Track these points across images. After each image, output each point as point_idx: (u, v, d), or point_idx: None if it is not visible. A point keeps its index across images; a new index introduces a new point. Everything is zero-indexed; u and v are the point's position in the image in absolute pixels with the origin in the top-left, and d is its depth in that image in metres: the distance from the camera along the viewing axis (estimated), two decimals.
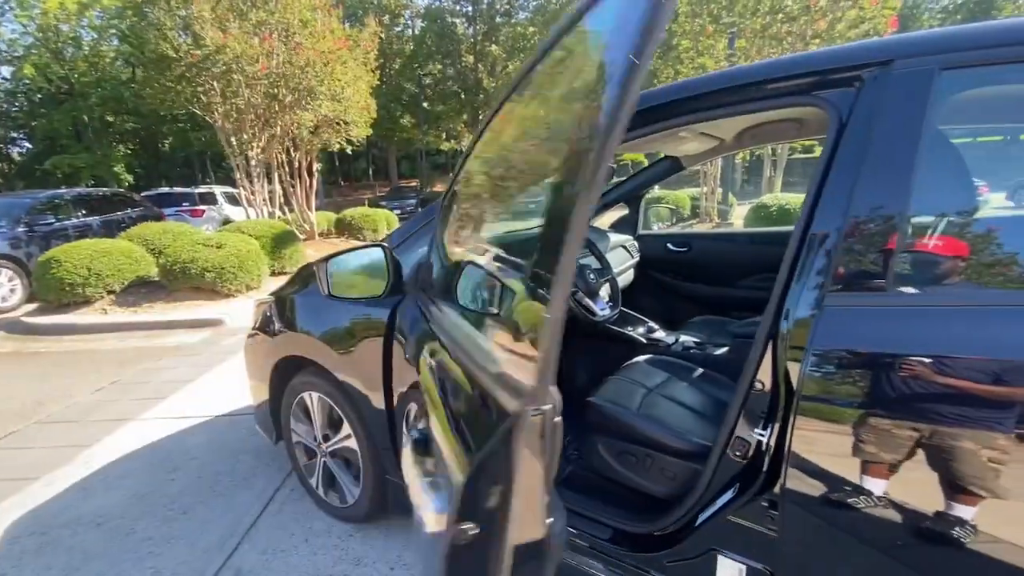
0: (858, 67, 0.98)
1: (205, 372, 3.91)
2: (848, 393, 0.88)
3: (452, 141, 41.74)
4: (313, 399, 1.96)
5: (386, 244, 1.55)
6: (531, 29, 30.41)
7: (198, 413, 3.14)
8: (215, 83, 8.62)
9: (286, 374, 2.07)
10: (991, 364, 0.79)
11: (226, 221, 11.66)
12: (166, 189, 13.95)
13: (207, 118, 9.17)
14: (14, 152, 28.92)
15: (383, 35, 19.13)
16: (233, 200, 13.06)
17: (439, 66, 34.16)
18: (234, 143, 9.42)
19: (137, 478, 2.43)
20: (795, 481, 0.94)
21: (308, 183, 11.26)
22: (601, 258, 2.24)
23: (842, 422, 0.88)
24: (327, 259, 1.51)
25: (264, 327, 2.15)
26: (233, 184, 12.13)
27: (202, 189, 13.36)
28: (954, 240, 0.92)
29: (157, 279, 6.68)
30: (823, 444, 0.91)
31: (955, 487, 0.80)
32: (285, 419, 2.13)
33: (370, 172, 43.57)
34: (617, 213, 3.04)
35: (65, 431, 3.04)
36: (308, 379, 1.95)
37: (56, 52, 23.68)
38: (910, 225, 0.91)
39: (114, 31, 24.36)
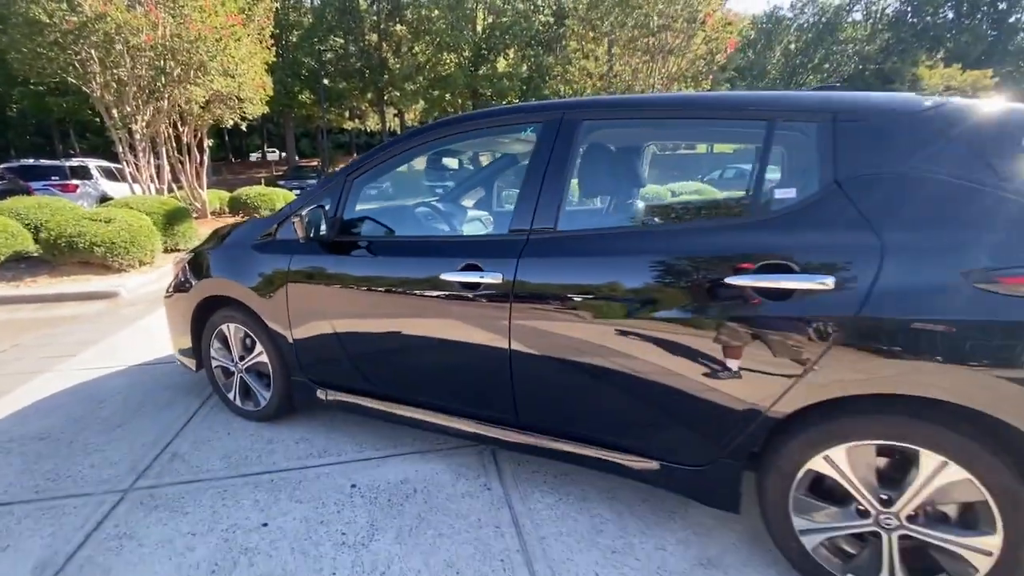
0: (545, 115, 1.86)
1: (110, 335, 4.22)
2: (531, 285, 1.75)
3: (356, 120, 40.32)
4: (230, 329, 2.59)
5: (324, 205, 2.20)
6: (435, 12, 30.42)
7: (112, 364, 3.54)
8: (93, 52, 8.25)
9: (206, 313, 2.66)
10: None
11: (104, 198, 10.96)
12: (30, 160, 12.67)
13: (84, 88, 8.71)
14: None
15: (279, 5, 18.40)
16: (111, 175, 12.23)
17: (340, 41, 33.04)
18: (115, 115, 9.03)
19: (68, 409, 2.88)
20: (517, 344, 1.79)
21: (199, 160, 10.97)
22: (455, 230, 3.05)
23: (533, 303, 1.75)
24: (298, 213, 2.10)
25: (185, 277, 2.72)
26: (107, 158, 11.42)
27: (74, 162, 12.33)
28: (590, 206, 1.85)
29: (36, 255, 6.53)
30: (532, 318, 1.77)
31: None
32: (205, 350, 2.73)
33: (264, 149, 41.03)
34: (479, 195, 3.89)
35: None
36: (226, 313, 2.57)
37: None
38: (567, 196, 1.80)
39: None
